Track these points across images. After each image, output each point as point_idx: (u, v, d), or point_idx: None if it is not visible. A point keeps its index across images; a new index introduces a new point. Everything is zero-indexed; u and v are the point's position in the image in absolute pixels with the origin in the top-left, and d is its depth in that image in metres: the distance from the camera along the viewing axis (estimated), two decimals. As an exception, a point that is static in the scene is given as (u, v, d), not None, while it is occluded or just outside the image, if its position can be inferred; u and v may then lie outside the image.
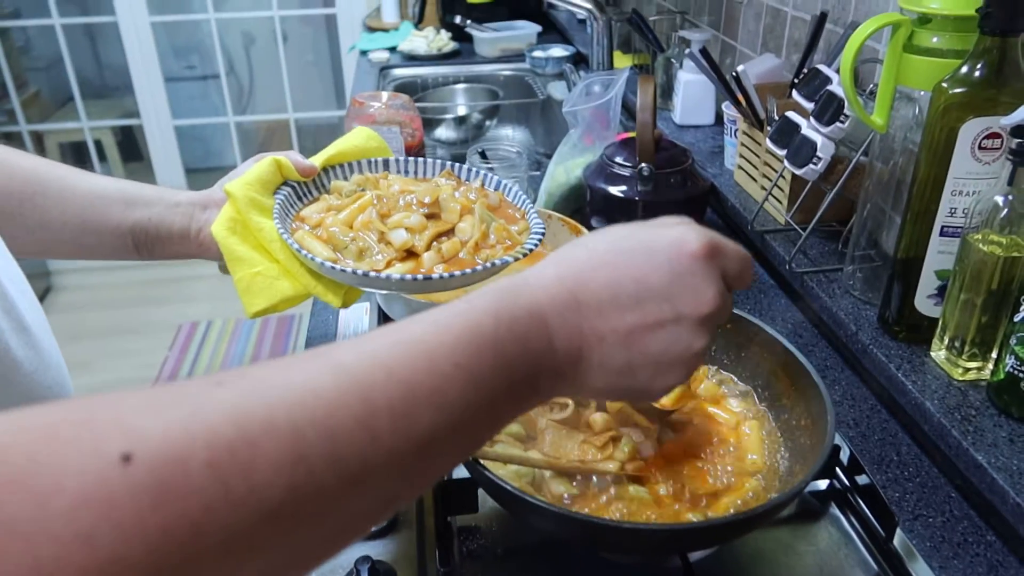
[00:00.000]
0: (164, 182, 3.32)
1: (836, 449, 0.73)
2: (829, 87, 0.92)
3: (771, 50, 1.26)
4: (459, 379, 0.36)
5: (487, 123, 2.11)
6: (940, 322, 0.80)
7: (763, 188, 1.15)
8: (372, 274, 0.65)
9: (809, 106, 0.95)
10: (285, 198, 0.74)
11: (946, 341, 0.79)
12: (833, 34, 1.10)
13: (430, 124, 2.04)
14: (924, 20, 0.77)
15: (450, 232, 0.72)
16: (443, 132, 2.05)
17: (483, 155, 1.16)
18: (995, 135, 0.73)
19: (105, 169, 3.38)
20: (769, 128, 1.02)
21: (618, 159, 1.19)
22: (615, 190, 1.17)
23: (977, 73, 0.72)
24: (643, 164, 1.14)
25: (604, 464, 0.65)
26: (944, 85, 0.73)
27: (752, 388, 0.75)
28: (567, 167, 1.27)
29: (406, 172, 0.83)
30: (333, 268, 0.65)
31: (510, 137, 2.19)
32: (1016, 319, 0.70)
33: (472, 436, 0.38)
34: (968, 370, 0.78)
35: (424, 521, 0.70)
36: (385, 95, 1.21)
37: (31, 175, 0.71)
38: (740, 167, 1.23)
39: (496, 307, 0.39)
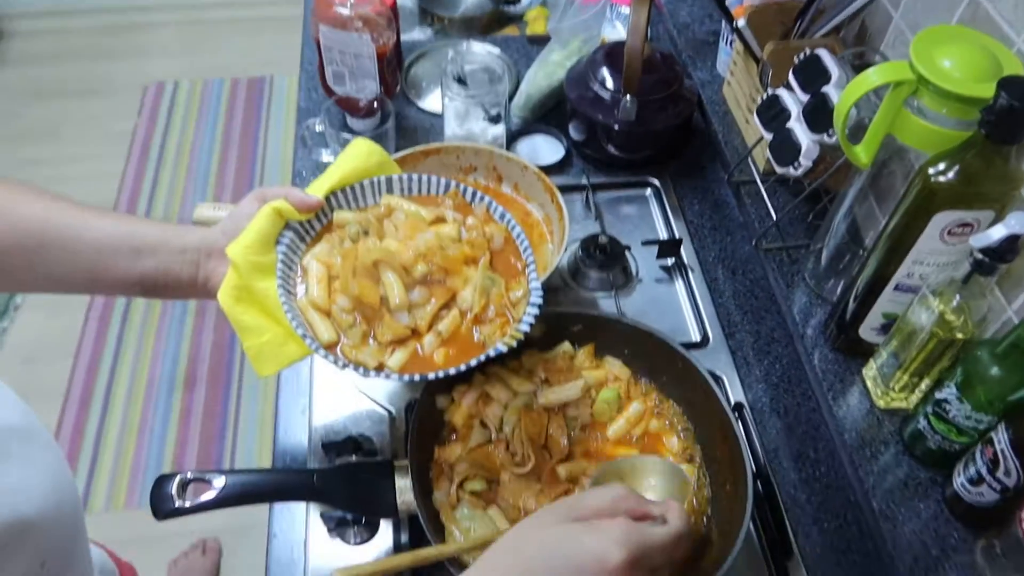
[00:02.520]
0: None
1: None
2: (826, 88, 0.87)
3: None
4: None
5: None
6: (876, 352, 0.87)
7: (747, 120, 1.12)
8: (372, 374, 0.69)
9: (803, 98, 0.90)
10: (287, 248, 0.74)
11: (878, 368, 0.87)
12: (852, -35, 0.98)
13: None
14: (927, 81, 0.72)
15: (452, 299, 0.74)
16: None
17: (461, 81, 1.09)
18: (967, 224, 0.74)
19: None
20: (759, 98, 0.97)
21: (602, 77, 1.13)
22: (595, 113, 1.12)
23: (964, 168, 0.70)
24: (627, 96, 1.08)
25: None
26: (931, 172, 0.71)
27: (693, 429, 0.84)
28: (548, 71, 1.20)
29: (410, 191, 0.81)
30: (335, 361, 0.69)
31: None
32: (937, 395, 0.78)
33: None
34: (893, 399, 0.87)
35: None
36: (352, -10, 1.09)
37: (35, 227, 0.69)
38: (729, 84, 1.17)
39: None
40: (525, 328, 0.72)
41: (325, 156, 1.17)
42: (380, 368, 0.70)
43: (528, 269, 0.77)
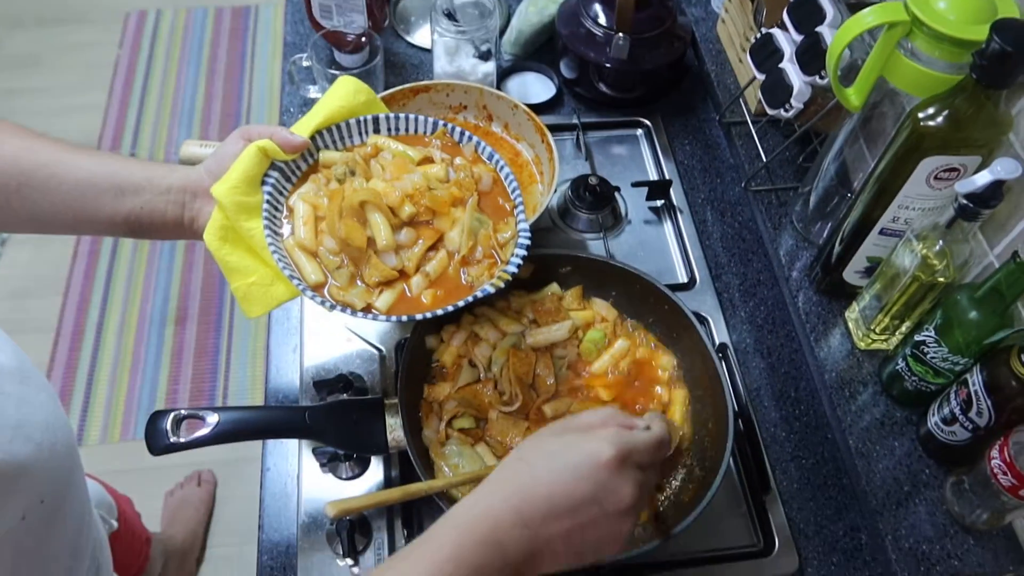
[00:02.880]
0: None
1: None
2: (820, 27, 0.86)
3: None
4: None
5: None
6: (859, 295, 0.88)
7: (740, 60, 1.10)
8: (360, 315, 0.70)
9: (796, 38, 0.89)
10: (273, 188, 0.73)
11: (860, 310, 0.88)
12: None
13: None
14: (921, 22, 0.72)
15: (440, 240, 0.74)
16: None
17: (451, 16, 1.07)
18: (953, 169, 0.74)
19: None
20: (753, 36, 0.95)
21: (595, 13, 1.11)
22: (587, 51, 1.11)
23: (953, 113, 0.70)
24: (619, 34, 1.07)
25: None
26: (920, 116, 0.71)
27: (681, 369, 0.86)
28: (539, 6, 1.17)
29: (397, 130, 0.80)
30: (323, 303, 0.70)
31: None
32: (916, 337, 0.79)
33: None
34: (873, 341, 0.88)
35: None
36: (338, -83, 1.05)
37: (13, 166, 0.68)
38: (723, 21, 1.15)
39: (458, 553, 0.51)
40: (512, 270, 0.72)
41: (312, 92, 1.15)
42: (368, 309, 0.71)
43: (516, 210, 0.77)
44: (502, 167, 0.79)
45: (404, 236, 0.73)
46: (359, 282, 0.72)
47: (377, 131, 0.79)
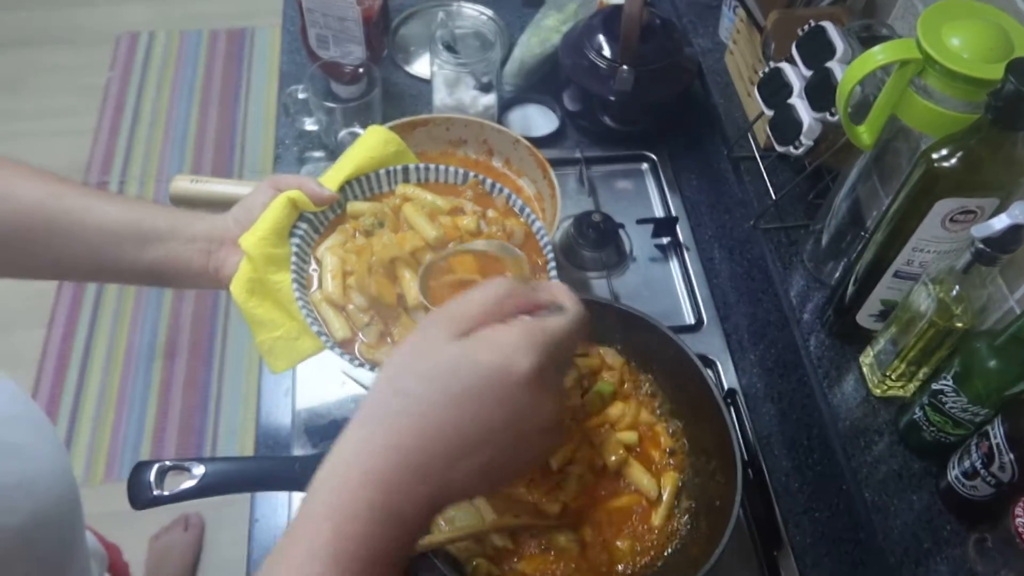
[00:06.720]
0: None
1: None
2: (830, 63, 0.83)
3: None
4: None
5: None
6: (874, 339, 0.85)
7: (748, 93, 1.08)
8: None
9: (806, 73, 0.87)
10: (301, 240, 0.72)
11: (875, 355, 0.85)
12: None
13: None
14: (934, 61, 0.69)
15: None
16: None
17: (450, 48, 1.04)
18: (970, 211, 0.71)
19: None
20: (762, 69, 0.93)
21: (599, 45, 1.09)
22: (590, 83, 1.09)
23: (968, 154, 0.67)
24: (624, 66, 1.05)
25: (549, 505, 0.74)
26: (934, 157, 0.69)
27: (683, 417, 0.82)
28: (542, 36, 1.15)
29: (427, 180, 0.78)
30: (351, 360, 0.67)
31: None
32: (934, 385, 0.76)
33: None
34: (889, 388, 0.85)
35: None
36: (335, -52, 1.03)
37: (36, 211, 0.67)
38: (731, 53, 1.13)
39: (338, 550, 0.40)
40: None
41: (308, 125, 1.12)
42: None
43: (549, 266, 0.76)
44: (534, 221, 0.78)
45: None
46: (388, 340, 0.70)
47: (407, 181, 0.78)
